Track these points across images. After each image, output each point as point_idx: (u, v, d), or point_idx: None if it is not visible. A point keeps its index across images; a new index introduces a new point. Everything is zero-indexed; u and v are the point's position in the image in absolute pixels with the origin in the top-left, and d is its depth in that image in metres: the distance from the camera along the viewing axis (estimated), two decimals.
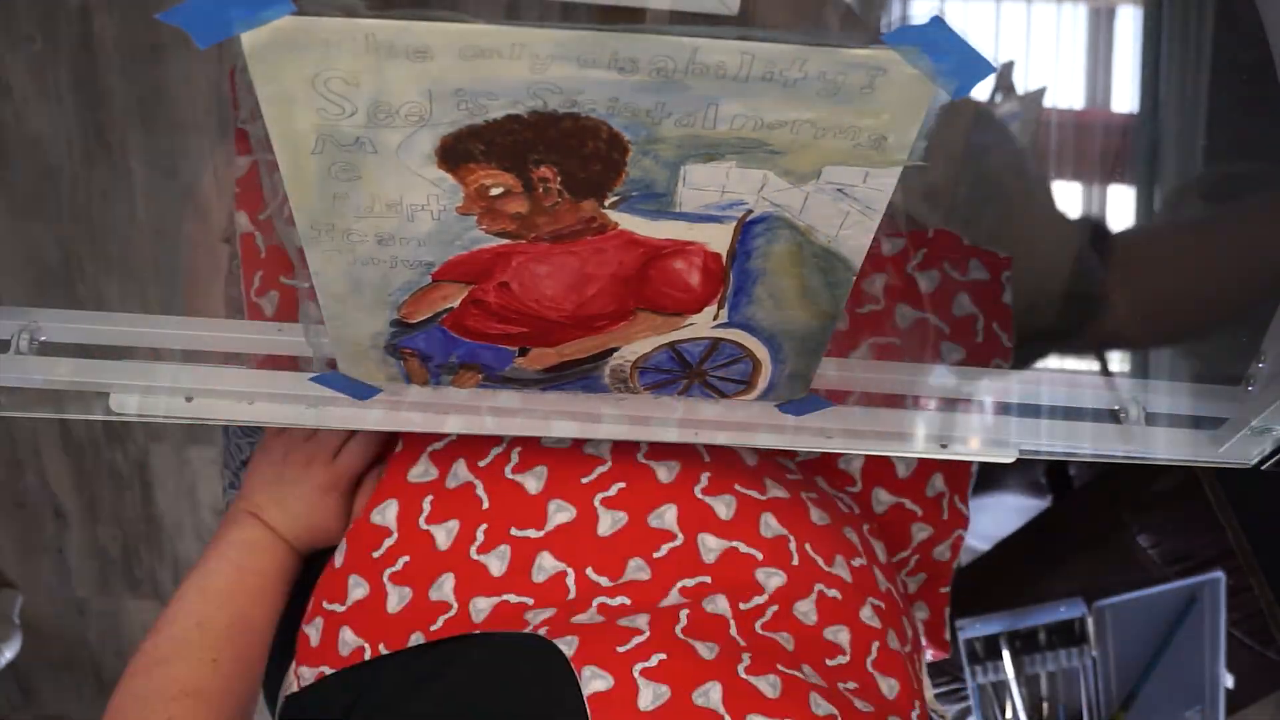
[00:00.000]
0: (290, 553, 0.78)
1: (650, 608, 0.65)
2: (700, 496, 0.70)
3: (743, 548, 0.68)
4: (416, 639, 0.67)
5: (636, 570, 0.68)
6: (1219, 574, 1.18)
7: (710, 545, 0.68)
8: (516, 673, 0.62)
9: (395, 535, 0.71)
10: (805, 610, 0.67)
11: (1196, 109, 0.96)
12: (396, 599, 0.70)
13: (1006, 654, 1.23)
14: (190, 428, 1.72)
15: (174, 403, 0.68)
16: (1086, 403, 0.73)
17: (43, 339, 0.69)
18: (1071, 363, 1.16)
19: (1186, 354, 0.88)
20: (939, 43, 0.46)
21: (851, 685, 0.65)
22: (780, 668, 0.62)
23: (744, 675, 0.60)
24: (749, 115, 0.49)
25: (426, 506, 0.72)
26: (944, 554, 0.85)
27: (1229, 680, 1.22)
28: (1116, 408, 0.73)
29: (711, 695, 0.58)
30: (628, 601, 0.66)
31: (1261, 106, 0.80)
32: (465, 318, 0.61)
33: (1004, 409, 0.72)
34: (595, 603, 0.66)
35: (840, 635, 0.67)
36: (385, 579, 0.71)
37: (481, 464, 0.73)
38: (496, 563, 0.69)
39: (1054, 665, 1.23)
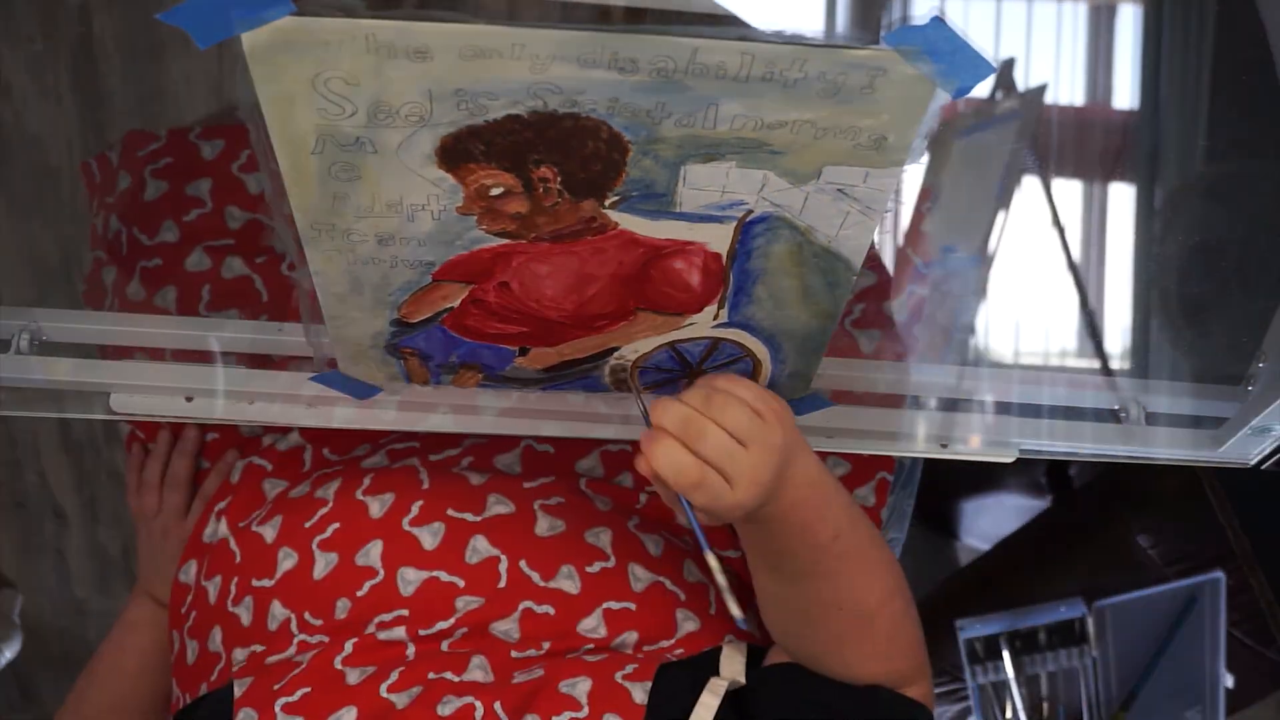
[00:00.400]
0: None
1: (338, 643, 0.68)
2: (407, 529, 0.71)
3: (444, 577, 0.69)
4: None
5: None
6: (1219, 574, 1.18)
7: (409, 578, 0.69)
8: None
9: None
10: (506, 629, 0.68)
11: (1197, 108, 0.96)
12: (191, 653, 0.75)
13: (1006, 654, 1.23)
14: None
15: (174, 403, 0.69)
16: (1086, 403, 0.73)
17: (43, 339, 0.69)
18: (1071, 363, 1.16)
19: (1186, 354, 0.88)
20: (939, 43, 0.46)
21: (539, 673, 0.66)
22: (430, 675, 0.65)
23: (384, 693, 0.64)
24: (749, 115, 0.49)
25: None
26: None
27: (1229, 680, 1.22)
28: (1116, 408, 0.73)
29: (344, 718, 0.62)
30: (326, 639, 0.68)
31: (1261, 106, 0.80)
32: (465, 317, 0.61)
33: (1004, 409, 0.72)
34: (296, 640, 0.69)
35: (540, 646, 0.68)
36: (185, 634, 0.76)
37: (240, 524, 0.76)
38: (245, 614, 0.71)
39: (1054, 665, 1.23)
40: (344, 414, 0.69)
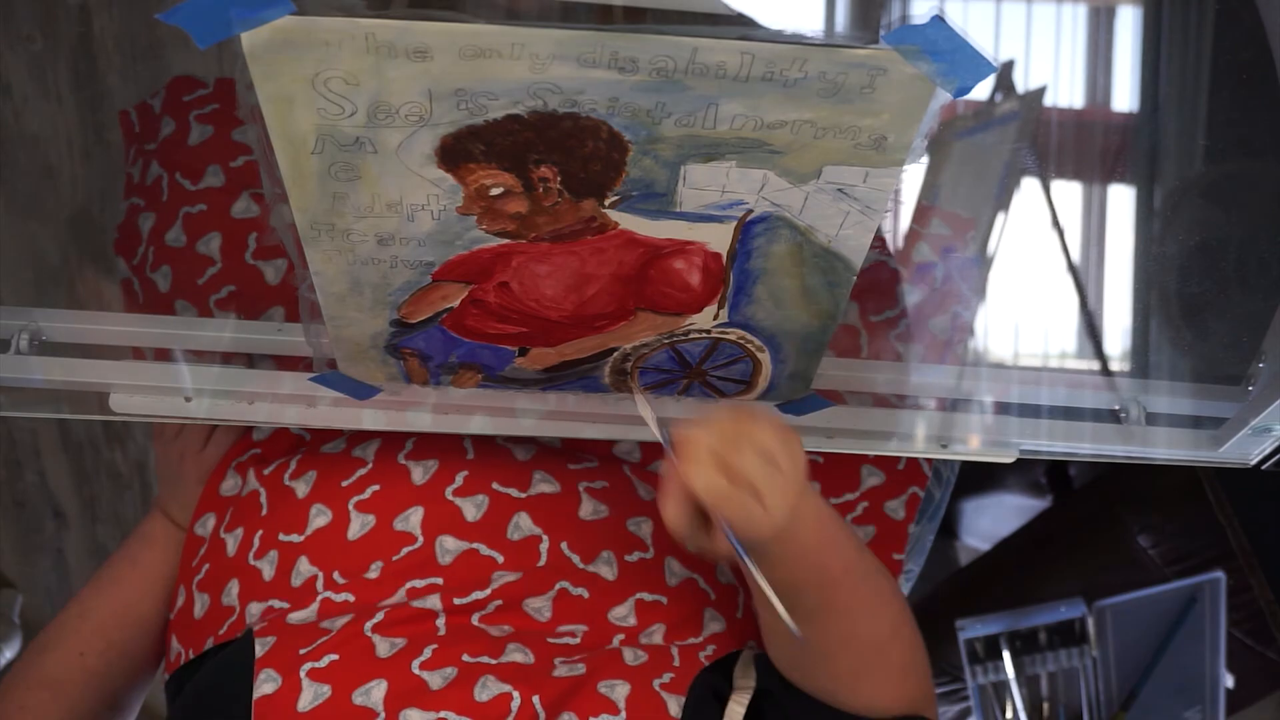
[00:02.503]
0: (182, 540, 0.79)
1: (367, 606, 0.66)
2: (450, 498, 0.70)
3: (483, 550, 0.69)
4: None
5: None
6: (1219, 574, 1.17)
7: (449, 547, 0.68)
8: (216, 682, 0.65)
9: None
10: (538, 606, 0.67)
11: (1196, 108, 0.96)
12: (199, 606, 0.73)
13: (1006, 654, 1.23)
14: None
15: (174, 403, 0.68)
16: (1086, 403, 0.73)
17: (43, 339, 0.69)
18: (1071, 363, 1.16)
19: (1186, 354, 0.88)
20: (939, 42, 0.46)
21: (580, 670, 0.65)
22: (465, 658, 0.63)
23: (416, 670, 0.62)
24: (749, 115, 0.49)
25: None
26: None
27: (1229, 680, 1.22)
28: (1116, 408, 0.73)
29: (373, 694, 0.61)
30: (351, 599, 0.67)
31: (1261, 106, 0.80)
32: (465, 317, 0.61)
33: (1004, 409, 0.72)
34: (320, 599, 0.67)
35: (574, 633, 0.67)
36: (194, 586, 0.74)
37: (266, 472, 0.74)
38: (268, 568, 0.70)
39: (1054, 665, 1.23)
40: (344, 414, 0.69)
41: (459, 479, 0.71)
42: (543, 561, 0.69)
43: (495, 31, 0.45)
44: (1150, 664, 1.21)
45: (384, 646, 0.64)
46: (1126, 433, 0.72)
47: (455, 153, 0.50)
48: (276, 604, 0.69)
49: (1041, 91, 1.16)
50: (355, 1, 0.45)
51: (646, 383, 0.68)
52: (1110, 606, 1.20)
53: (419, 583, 0.67)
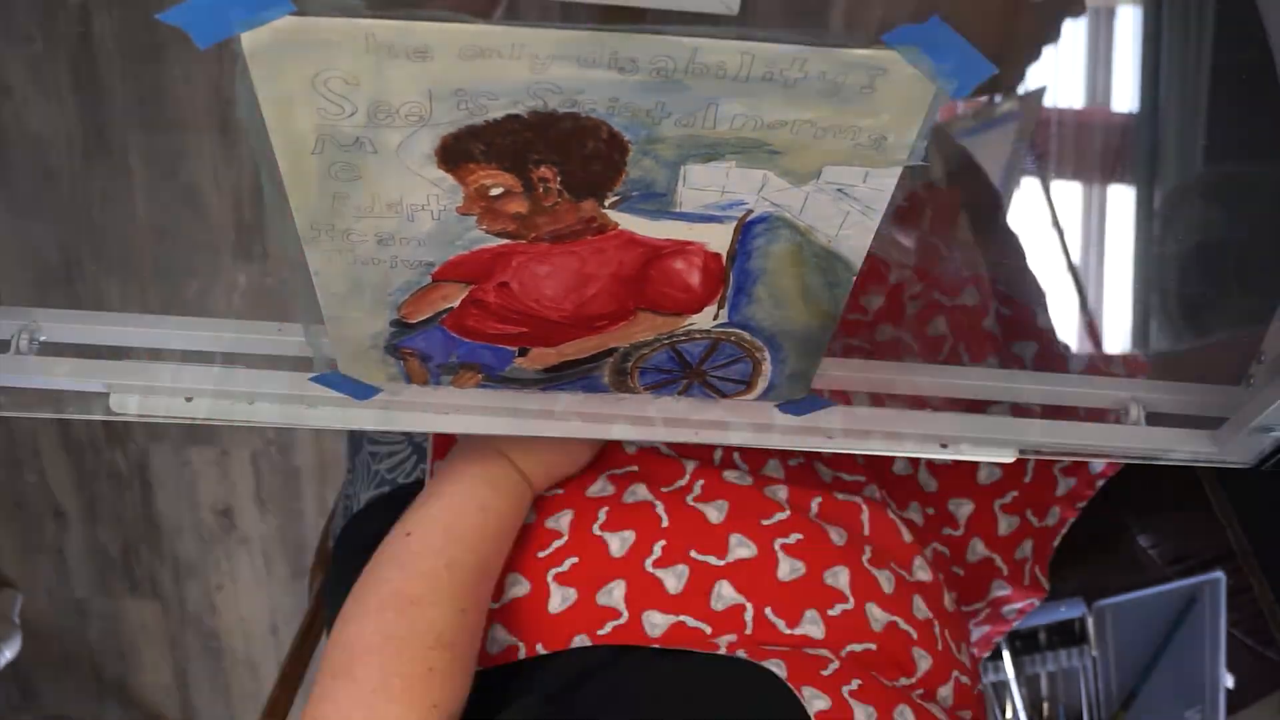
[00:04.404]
0: (529, 495, 0.76)
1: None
2: (867, 566, 0.72)
3: (901, 624, 0.70)
4: (580, 640, 0.68)
5: (810, 624, 0.69)
6: (1219, 574, 1.18)
7: (876, 615, 0.70)
8: (740, 690, 0.63)
9: (566, 538, 0.72)
10: (944, 695, 0.70)
11: (1196, 109, 0.96)
12: (558, 599, 0.71)
13: (1006, 654, 1.23)
14: (190, 428, 1.72)
15: (174, 403, 0.69)
16: (1086, 403, 0.73)
17: (43, 339, 0.69)
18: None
19: (1186, 353, 0.88)
20: (939, 42, 0.46)
21: None
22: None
23: (920, 701, 0.65)
24: (749, 115, 0.49)
25: (602, 515, 0.73)
26: (1010, 613, 0.88)
27: (1229, 680, 1.22)
28: (1116, 408, 0.73)
29: (906, 714, 0.63)
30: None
31: (1261, 106, 0.80)
32: (465, 318, 0.61)
33: (1004, 409, 0.72)
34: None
35: None
36: (550, 579, 0.72)
37: (665, 489, 0.75)
38: (673, 580, 0.70)
39: (1054, 665, 1.23)
40: (344, 415, 0.69)
41: (868, 551, 0.72)
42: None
43: (495, 31, 0.45)
44: (1150, 664, 1.22)
45: (884, 680, 0.67)
46: (1126, 433, 0.72)
47: (455, 153, 0.50)
48: (690, 621, 0.68)
49: (1041, 92, 1.16)
50: (355, 1, 0.45)
51: (646, 383, 0.68)
52: (1110, 606, 1.21)
53: (857, 647, 0.69)
